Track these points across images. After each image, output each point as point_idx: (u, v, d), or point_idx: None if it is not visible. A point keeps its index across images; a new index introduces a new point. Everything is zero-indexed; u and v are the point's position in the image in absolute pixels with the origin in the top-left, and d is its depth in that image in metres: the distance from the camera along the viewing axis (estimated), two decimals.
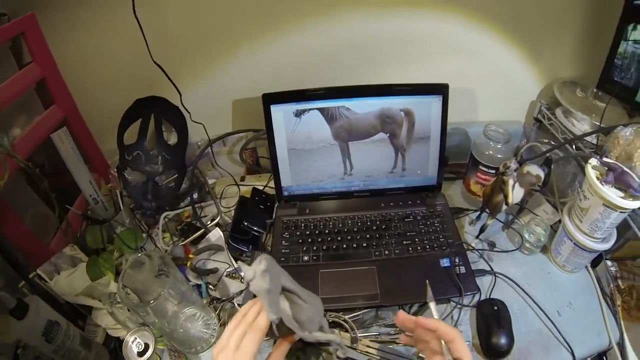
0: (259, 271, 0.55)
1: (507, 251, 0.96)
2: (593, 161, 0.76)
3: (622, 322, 0.81)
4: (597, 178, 0.74)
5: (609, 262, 0.89)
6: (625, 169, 0.72)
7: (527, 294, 0.86)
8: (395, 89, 0.97)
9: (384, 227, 1.00)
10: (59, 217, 0.91)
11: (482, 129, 1.01)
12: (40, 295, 0.72)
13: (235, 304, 0.86)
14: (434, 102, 0.98)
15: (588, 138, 0.93)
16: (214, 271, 0.90)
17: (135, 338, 0.72)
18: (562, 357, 0.78)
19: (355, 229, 1.00)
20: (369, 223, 1.01)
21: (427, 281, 0.75)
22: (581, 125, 0.98)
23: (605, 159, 0.75)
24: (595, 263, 0.91)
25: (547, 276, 0.91)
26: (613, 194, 0.71)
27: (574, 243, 0.84)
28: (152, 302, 0.66)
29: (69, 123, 0.96)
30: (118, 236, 0.94)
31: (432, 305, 0.69)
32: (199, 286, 0.89)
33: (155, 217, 1.02)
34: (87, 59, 0.98)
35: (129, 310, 0.80)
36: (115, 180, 1.05)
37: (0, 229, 0.76)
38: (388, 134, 1.00)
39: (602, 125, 0.90)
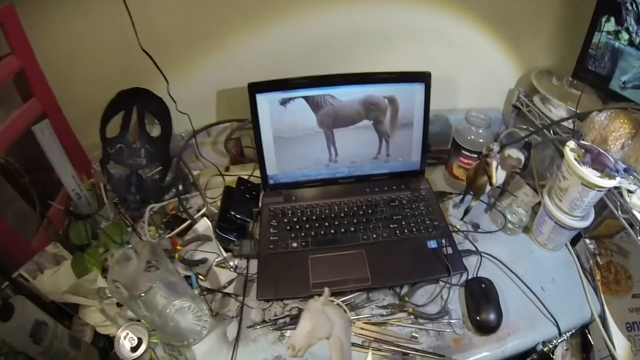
0: None
1: (490, 232, 0.99)
2: (571, 144, 0.80)
3: (602, 296, 0.85)
4: (575, 159, 0.78)
5: (587, 240, 0.93)
6: (601, 150, 0.75)
7: (512, 271, 0.89)
8: (379, 77, 0.98)
9: (370, 211, 1.01)
10: (41, 214, 0.88)
11: (464, 115, 1.04)
12: (25, 296, 0.69)
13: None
14: (417, 90, 0.99)
15: (565, 123, 0.96)
16: (203, 261, 0.89)
17: (128, 333, 0.71)
18: (548, 330, 0.81)
19: (342, 214, 1.00)
20: (355, 208, 1.02)
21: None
22: (558, 111, 1.01)
23: (582, 142, 0.78)
24: (574, 242, 0.95)
25: (529, 254, 0.95)
26: (591, 174, 0.75)
27: (555, 222, 0.87)
28: (142, 295, 0.65)
29: (49, 117, 0.92)
30: (103, 231, 0.92)
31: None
32: (188, 277, 0.87)
33: (140, 210, 0.99)
34: (68, 51, 0.95)
35: (118, 306, 0.79)
36: (98, 174, 1.02)
37: None
38: (372, 121, 1.01)
39: (578, 111, 0.93)
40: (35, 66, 0.92)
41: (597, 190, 0.77)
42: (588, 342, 0.86)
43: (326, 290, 0.61)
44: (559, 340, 0.81)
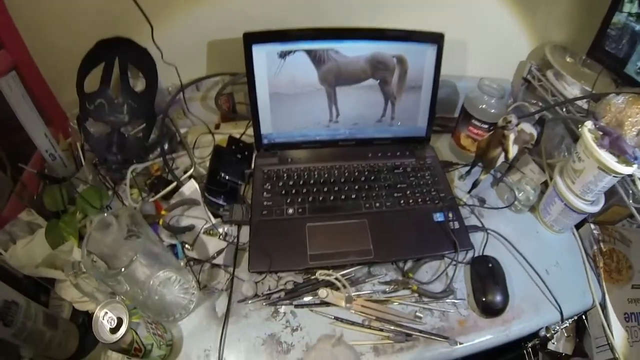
0: None
1: (497, 208, 0.95)
2: (589, 124, 0.76)
3: (604, 284, 0.83)
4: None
5: (592, 225, 0.90)
6: (621, 134, 0.72)
7: (518, 252, 0.86)
8: (389, 34, 0.91)
9: (372, 178, 0.96)
10: (13, 179, 0.84)
11: (473, 83, 0.99)
12: None
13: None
14: (429, 51, 0.93)
15: (578, 103, 0.93)
16: (190, 228, 0.83)
17: (106, 312, 0.62)
18: (551, 315, 0.79)
19: (342, 180, 0.95)
20: (356, 173, 0.97)
21: None
22: (571, 89, 0.97)
23: (601, 124, 0.75)
24: (577, 226, 0.92)
25: (535, 235, 0.91)
26: (609, 158, 0.71)
27: (565, 204, 0.84)
28: (123, 269, 0.59)
29: (20, 70, 0.85)
30: (80, 195, 0.86)
31: None
32: (173, 246, 0.82)
33: (122, 171, 0.93)
34: None
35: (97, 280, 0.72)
36: (75, 132, 0.96)
37: None
38: (378, 81, 0.95)
39: (593, 92, 0.90)
40: (4, 13, 0.84)
41: (613, 176, 0.73)
42: (581, 328, 0.86)
43: (340, 330, 0.58)
44: (562, 327, 0.79)
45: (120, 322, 0.61)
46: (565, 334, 0.83)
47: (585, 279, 0.84)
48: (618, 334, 0.77)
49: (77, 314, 0.76)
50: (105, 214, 0.65)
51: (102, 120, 0.92)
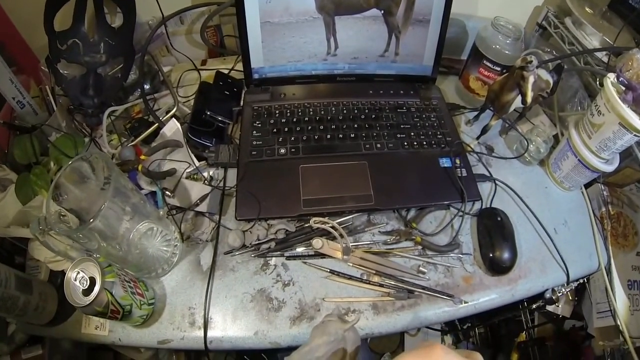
0: None
1: (506, 158, 0.90)
2: (612, 77, 0.71)
3: (610, 248, 0.81)
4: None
5: (601, 186, 0.87)
6: None
7: (527, 207, 0.81)
8: None
9: (373, 116, 0.90)
10: None
11: (489, 22, 0.91)
12: None
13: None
14: None
15: (597, 55, 0.88)
16: (171, 173, 0.76)
17: (78, 272, 0.57)
18: (558, 276, 0.75)
19: (340, 117, 0.89)
20: (356, 111, 0.91)
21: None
22: (590, 40, 0.91)
23: (625, 78, 0.69)
24: (586, 185, 0.89)
25: (544, 190, 0.86)
26: (633, 115, 0.67)
27: (579, 159, 0.79)
28: (91, 220, 0.52)
29: None
30: (52, 144, 0.81)
31: None
32: (154, 194, 0.77)
33: (99, 116, 0.86)
34: None
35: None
36: (45, 75, 0.89)
37: None
38: (383, 11, 0.88)
39: (615, 45, 0.84)
40: None
41: (634, 135, 0.69)
42: (580, 292, 0.84)
43: (356, 317, 0.52)
44: (567, 289, 0.76)
45: (93, 282, 0.54)
46: (566, 297, 0.81)
47: (592, 241, 0.80)
48: (620, 301, 0.75)
49: (56, 275, 0.72)
50: (75, 160, 0.58)
51: (76, 61, 0.86)
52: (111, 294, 0.56)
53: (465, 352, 0.39)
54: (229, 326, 0.65)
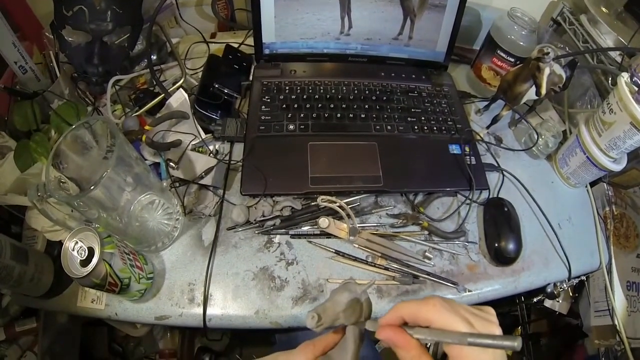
0: None
1: (514, 150, 0.89)
2: (625, 75, 0.71)
3: (611, 247, 0.80)
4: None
5: (606, 185, 0.87)
6: None
7: (534, 200, 0.81)
8: None
9: (385, 98, 0.89)
10: None
11: (504, 12, 0.91)
12: None
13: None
14: None
15: (611, 54, 0.88)
16: (176, 144, 0.74)
17: (77, 242, 0.55)
18: (559, 271, 0.75)
19: (351, 97, 0.88)
20: (367, 92, 0.90)
21: None
22: (605, 39, 0.91)
23: (639, 78, 0.69)
24: (591, 184, 0.89)
25: (550, 185, 0.86)
26: None
27: (587, 156, 0.79)
28: (91, 187, 0.50)
29: None
30: (54, 112, 0.79)
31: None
32: (157, 166, 0.75)
33: (103, 85, 0.85)
34: None
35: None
36: (49, 41, 0.87)
37: None
38: None
39: (629, 46, 0.84)
40: None
41: None
42: (578, 290, 0.84)
43: (373, 281, 0.53)
44: (567, 285, 0.77)
45: (92, 252, 0.53)
46: (565, 294, 0.82)
47: (595, 239, 0.80)
48: (619, 301, 0.76)
49: (53, 246, 0.70)
50: (76, 126, 0.56)
51: (81, 28, 0.83)
52: (110, 265, 0.54)
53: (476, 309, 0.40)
54: (229, 304, 0.64)
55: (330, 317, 0.44)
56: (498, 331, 0.38)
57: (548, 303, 0.81)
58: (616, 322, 0.73)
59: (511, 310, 1.02)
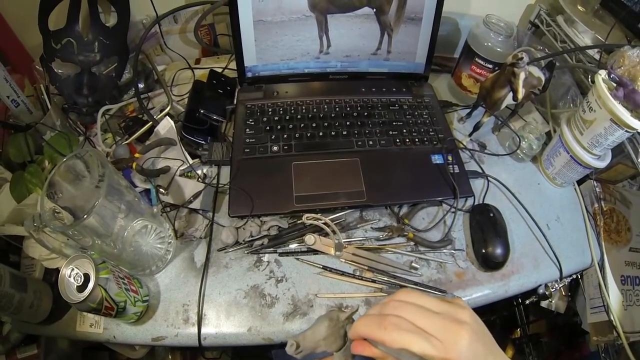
0: None
1: (498, 155, 0.90)
2: (602, 73, 0.72)
3: (603, 243, 0.81)
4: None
5: (594, 182, 0.87)
6: (636, 87, 0.67)
7: (520, 203, 0.82)
8: None
9: (366, 114, 0.91)
10: None
11: (476, 22, 0.92)
12: None
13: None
14: None
15: (589, 52, 0.89)
16: (165, 170, 0.76)
17: (73, 269, 0.57)
18: (550, 272, 0.76)
19: (332, 115, 0.89)
20: (348, 109, 0.91)
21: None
22: (582, 38, 0.92)
23: (616, 74, 0.70)
24: (579, 182, 0.89)
25: (537, 187, 0.87)
26: (623, 111, 0.68)
27: (571, 155, 0.80)
28: (84, 216, 0.52)
29: None
30: (47, 143, 0.81)
31: None
32: (148, 192, 0.76)
33: (93, 114, 0.86)
34: None
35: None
36: (39, 74, 0.89)
37: None
38: (375, 9, 0.88)
39: (607, 43, 0.85)
40: None
41: (625, 130, 0.70)
42: (573, 288, 0.84)
43: (355, 306, 0.57)
44: (560, 285, 0.77)
45: (87, 278, 0.54)
46: (559, 293, 0.81)
47: (585, 237, 0.80)
48: (614, 296, 0.76)
49: (50, 273, 0.71)
50: (68, 158, 0.58)
51: (70, 60, 0.86)
52: (105, 290, 0.56)
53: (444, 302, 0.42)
54: (222, 322, 0.65)
55: (309, 344, 0.45)
56: (468, 315, 0.40)
57: (544, 304, 0.80)
58: (612, 318, 0.73)
59: (510, 313, 1.02)
